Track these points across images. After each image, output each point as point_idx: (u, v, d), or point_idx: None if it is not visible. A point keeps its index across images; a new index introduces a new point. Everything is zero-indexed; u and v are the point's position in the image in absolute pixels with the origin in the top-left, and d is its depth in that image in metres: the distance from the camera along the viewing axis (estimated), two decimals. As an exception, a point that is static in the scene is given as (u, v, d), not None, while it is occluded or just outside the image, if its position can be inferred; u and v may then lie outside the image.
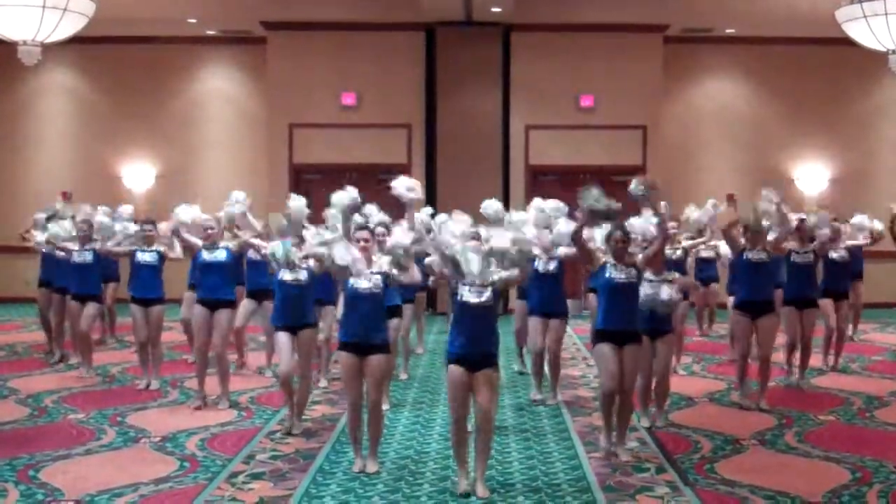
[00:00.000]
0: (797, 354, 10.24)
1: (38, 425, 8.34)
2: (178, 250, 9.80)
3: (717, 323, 13.64)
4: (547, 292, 9.17)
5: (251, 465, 7.09)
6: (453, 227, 7.01)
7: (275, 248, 7.93)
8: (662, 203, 7.95)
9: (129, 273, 10.66)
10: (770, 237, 9.25)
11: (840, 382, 10.38)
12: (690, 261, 11.51)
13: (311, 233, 7.84)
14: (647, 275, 7.82)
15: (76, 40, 12.52)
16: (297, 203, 8.39)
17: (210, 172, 17.89)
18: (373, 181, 16.70)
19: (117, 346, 12.55)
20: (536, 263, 9.12)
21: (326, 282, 9.47)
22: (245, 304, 10.42)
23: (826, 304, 10.76)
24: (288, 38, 16.98)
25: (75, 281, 10.60)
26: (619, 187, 17.50)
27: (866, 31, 11.63)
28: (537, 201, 9.91)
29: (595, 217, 7.51)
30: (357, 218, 8.62)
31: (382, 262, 7.08)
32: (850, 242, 11.31)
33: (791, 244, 9.89)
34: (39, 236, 11.79)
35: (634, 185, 8.02)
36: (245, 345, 11.21)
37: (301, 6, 15.78)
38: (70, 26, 11.40)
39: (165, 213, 10.21)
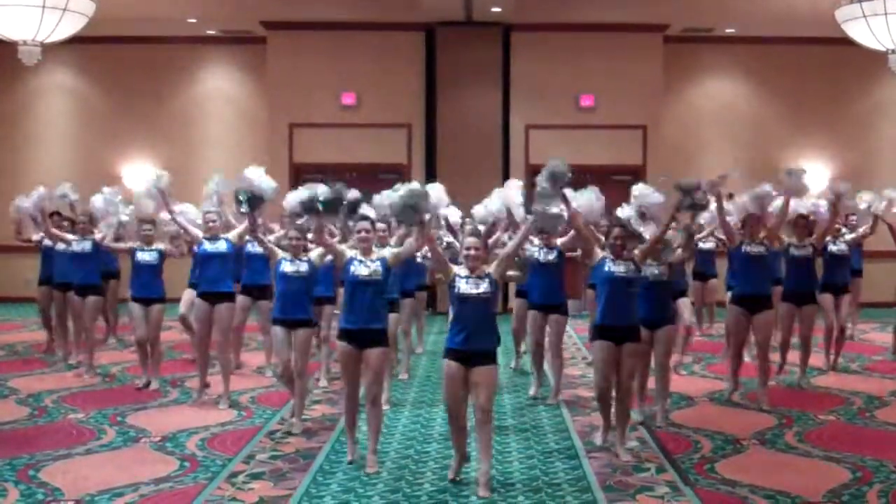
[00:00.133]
0: (791, 353, 10.25)
1: (38, 425, 8.34)
2: (184, 248, 9.78)
3: (717, 322, 13.62)
4: (547, 283, 9.16)
5: (251, 464, 7.08)
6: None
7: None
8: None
9: (129, 273, 10.66)
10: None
11: (840, 382, 10.37)
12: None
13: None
14: (648, 260, 7.86)
15: (76, 40, 12.52)
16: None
17: (210, 172, 17.65)
18: (373, 181, 16.76)
19: (118, 346, 12.54)
20: (536, 254, 9.11)
21: (326, 279, 9.48)
22: (240, 301, 10.41)
23: (826, 299, 10.74)
24: (288, 37, 16.98)
25: (75, 272, 10.62)
26: (619, 187, 17.56)
27: (866, 30, 11.64)
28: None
29: (557, 183, 7.46)
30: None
31: (383, 252, 7.17)
32: (849, 237, 11.18)
33: (790, 237, 9.91)
34: (36, 235, 11.85)
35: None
36: (241, 345, 11.18)
37: (301, 6, 15.77)
38: (70, 26, 11.40)
39: (164, 213, 10.26)
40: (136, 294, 9.87)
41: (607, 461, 7.21)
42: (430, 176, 16.72)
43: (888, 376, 10.74)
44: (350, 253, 7.16)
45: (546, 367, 9.89)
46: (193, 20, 16.59)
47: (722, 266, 12.13)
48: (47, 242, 11.73)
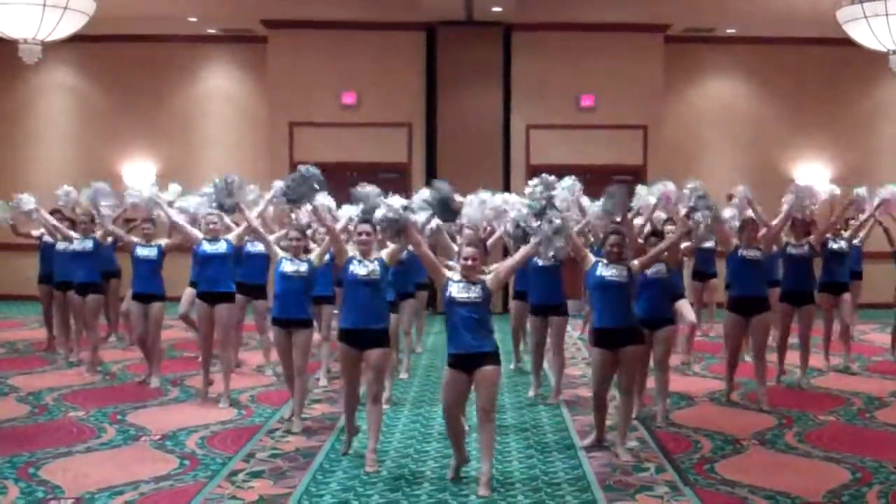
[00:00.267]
0: (791, 353, 10.27)
1: (38, 423, 8.34)
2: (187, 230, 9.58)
3: (717, 322, 13.62)
4: (546, 285, 9.19)
5: (251, 463, 7.08)
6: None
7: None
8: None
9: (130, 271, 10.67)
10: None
11: (840, 382, 10.37)
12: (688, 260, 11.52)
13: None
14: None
15: (77, 39, 12.53)
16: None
17: (210, 171, 17.68)
18: (373, 180, 16.74)
19: (118, 345, 12.54)
20: (535, 258, 9.11)
21: (325, 279, 9.49)
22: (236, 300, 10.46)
23: (825, 299, 10.75)
24: (289, 36, 16.98)
25: (76, 270, 10.65)
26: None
27: (867, 31, 11.64)
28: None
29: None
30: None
31: (382, 253, 7.22)
32: (848, 233, 11.14)
33: (787, 237, 9.94)
34: (36, 231, 11.87)
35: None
36: (241, 343, 11.15)
37: (302, 5, 15.77)
38: (70, 25, 11.41)
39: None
40: (135, 290, 9.91)
41: (607, 461, 7.22)
42: (431, 175, 16.74)
43: (888, 377, 10.74)
44: (350, 252, 7.21)
45: (546, 366, 9.90)
46: (194, 19, 16.59)
47: (722, 266, 12.15)
48: (47, 240, 11.75)
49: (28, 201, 11.05)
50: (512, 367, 11.05)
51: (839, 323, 10.97)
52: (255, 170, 17.38)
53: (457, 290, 6.49)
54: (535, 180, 7.50)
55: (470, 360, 6.44)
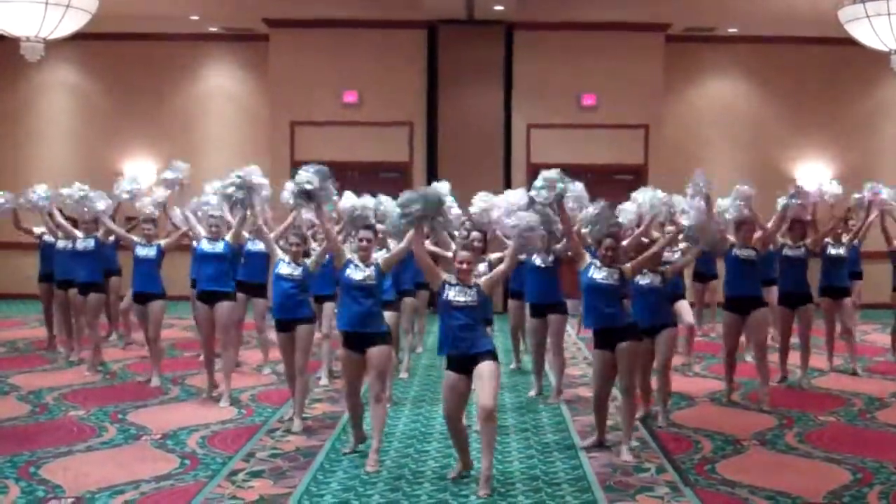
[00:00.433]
0: (791, 353, 10.27)
1: (38, 422, 8.35)
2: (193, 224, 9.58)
3: (719, 323, 13.60)
4: (545, 284, 9.20)
5: (251, 462, 7.09)
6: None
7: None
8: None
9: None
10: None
11: (841, 383, 10.37)
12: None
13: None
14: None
15: (79, 37, 12.54)
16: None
17: (211, 170, 17.74)
18: (374, 179, 16.75)
19: (118, 343, 12.54)
20: (534, 258, 9.14)
21: (326, 277, 9.48)
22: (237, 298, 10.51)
23: (826, 304, 10.77)
24: (290, 35, 16.97)
25: (77, 269, 10.67)
26: (620, 186, 17.54)
27: (869, 31, 11.63)
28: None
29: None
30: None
31: (379, 256, 7.28)
32: (847, 237, 11.14)
33: (784, 239, 9.95)
34: (38, 228, 11.87)
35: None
36: (241, 342, 11.13)
37: (303, 4, 15.77)
38: (72, 23, 11.41)
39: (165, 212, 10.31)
40: (135, 290, 9.94)
41: (608, 461, 7.22)
42: (432, 174, 16.74)
43: (889, 377, 10.74)
44: (348, 255, 7.24)
45: (547, 366, 9.90)
46: (196, 17, 16.59)
47: (722, 267, 12.14)
48: (47, 238, 11.76)
49: (43, 196, 11.00)
50: (512, 366, 11.06)
51: (840, 325, 10.97)
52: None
53: (453, 294, 6.52)
54: (541, 180, 7.44)
55: (468, 360, 6.46)
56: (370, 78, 16.96)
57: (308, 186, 7.40)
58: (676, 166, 17.02)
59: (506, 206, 7.50)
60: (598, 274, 7.37)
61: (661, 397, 8.40)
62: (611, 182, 16.94)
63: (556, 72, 16.85)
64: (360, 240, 7.23)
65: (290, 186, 7.98)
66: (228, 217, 9.53)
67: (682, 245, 10.68)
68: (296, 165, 16.70)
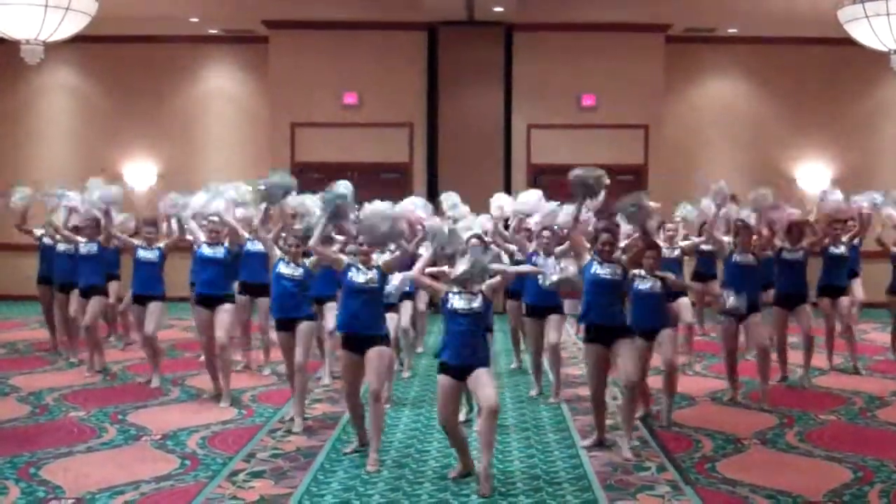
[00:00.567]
0: (792, 353, 10.28)
1: (39, 423, 8.35)
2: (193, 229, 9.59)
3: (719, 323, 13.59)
4: (543, 290, 9.18)
5: (252, 463, 7.09)
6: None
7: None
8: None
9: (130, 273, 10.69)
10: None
11: (841, 382, 10.37)
12: (689, 259, 11.56)
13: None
14: (640, 272, 7.88)
15: (78, 39, 12.52)
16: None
17: (212, 171, 17.82)
18: (374, 180, 16.75)
19: (117, 344, 12.54)
20: (534, 260, 9.18)
21: (327, 278, 9.48)
22: (240, 300, 10.53)
23: (824, 302, 10.81)
24: (290, 37, 16.99)
25: (79, 272, 10.67)
26: (620, 186, 17.54)
27: (868, 31, 11.62)
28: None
29: (582, 189, 7.73)
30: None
31: (379, 259, 7.32)
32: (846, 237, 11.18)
33: (782, 242, 9.98)
34: (38, 230, 11.87)
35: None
36: (250, 342, 11.11)
37: (303, 5, 15.78)
38: (72, 25, 11.41)
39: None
40: (135, 291, 9.96)
41: (608, 460, 7.22)
42: (432, 175, 16.77)
43: (889, 376, 10.74)
44: (348, 259, 7.25)
45: (546, 366, 9.90)
46: (195, 19, 16.59)
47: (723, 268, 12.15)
48: (47, 241, 11.78)
49: (69, 197, 10.97)
50: (513, 366, 11.08)
51: (840, 324, 10.98)
52: (257, 170, 17.40)
53: (457, 302, 6.53)
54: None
55: (464, 370, 6.49)
56: (370, 79, 16.97)
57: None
58: (676, 167, 17.08)
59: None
60: (602, 270, 7.38)
61: (667, 398, 8.37)
62: (611, 182, 16.95)
63: (556, 72, 16.86)
64: (361, 244, 7.25)
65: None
66: (229, 220, 9.52)
67: (682, 243, 10.74)
68: (296, 167, 16.89)
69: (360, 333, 7.11)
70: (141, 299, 9.87)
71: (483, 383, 6.43)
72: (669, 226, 11.07)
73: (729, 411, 9.00)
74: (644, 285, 7.98)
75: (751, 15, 15.96)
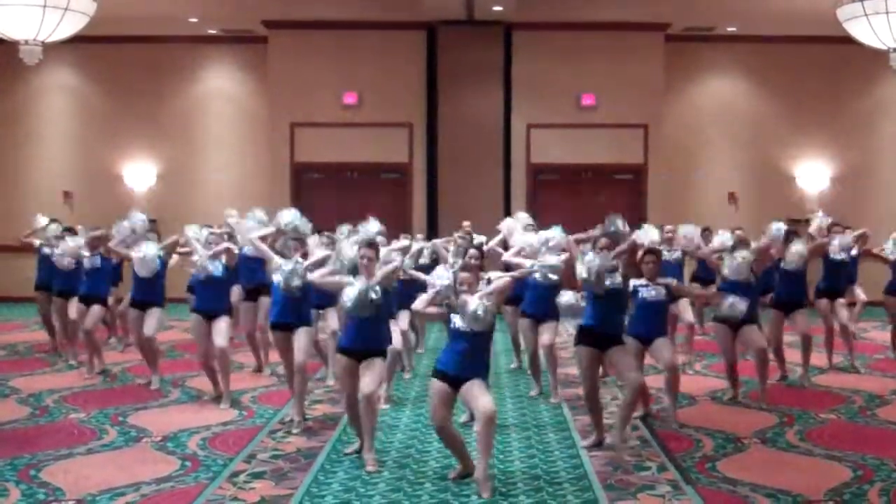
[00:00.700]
0: (792, 352, 10.30)
1: (39, 425, 8.34)
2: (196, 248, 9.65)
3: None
4: (542, 299, 9.23)
5: (252, 464, 7.08)
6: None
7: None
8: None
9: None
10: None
11: (841, 381, 10.38)
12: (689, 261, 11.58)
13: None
14: (641, 282, 7.89)
15: (77, 39, 12.53)
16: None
17: (211, 172, 17.92)
18: (374, 180, 16.77)
19: (117, 346, 12.53)
20: (537, 274, 9.23)
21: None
22: (245, 306, 10.58)
23: (822, 304, 10.91)
24: (289, 37, 16.99)
25: (84, 284, 10.75)
26: (620, 186, 17.51)
27: (867, 29, 11.62)
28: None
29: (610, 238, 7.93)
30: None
31: (377, 276, 7.24)
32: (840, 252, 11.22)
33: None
34: (36, 241, 11.95)
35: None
36: (268, 344, 11.05)
37: (302, 5, 15.78)
38: (71, 26, 11.40)
39: (165, 213, 10.32)
40: (135, 297, 9.98)
41: (609, 460, 7.21)
42: (432, 175, 16.76)
43: (889, 375, 10.75)
44: (349, 278, 7.16)
45: (545, 367, 9.90)
46: (195, 19, 16.59)
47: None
48: (46, 251, 11.81)
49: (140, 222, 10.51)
50: (513, 366, 11.09)
51: (837, 324, 11.02)
52: (257, 171, 17.47)
53: (459, 321, 6.50)
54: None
55: (458, 381, 6.49)
56: (370, 79, 16.97)
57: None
58: (676, 166, 17.11)
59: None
60: (607, 280, 7.38)
61: (671, 400, 8.35)
62: (610, 182, 16.99)
63: (556, 72, 16.86)
64: (362, 258, 7.21)
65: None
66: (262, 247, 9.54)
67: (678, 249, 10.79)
68: (296, 167, 16.91)
69: (362, 349, 7.09)
70: (140, 305, 9.87)
71: (476, 395, 6.41)
72: (668, 227, 11.08)
73: (729, 410, 9.00)
74: (649, 294, 7.98)
75: (750, 14, 15.97)
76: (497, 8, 15.67)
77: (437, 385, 6.54)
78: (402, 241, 9.87)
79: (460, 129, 16.67)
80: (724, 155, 17.81)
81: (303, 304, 8.22)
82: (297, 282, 7.96)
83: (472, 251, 8.58)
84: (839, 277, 11.12)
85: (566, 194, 16.47)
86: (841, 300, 11.04)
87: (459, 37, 16.67)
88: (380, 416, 8.00)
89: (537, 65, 16.88)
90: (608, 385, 9.74)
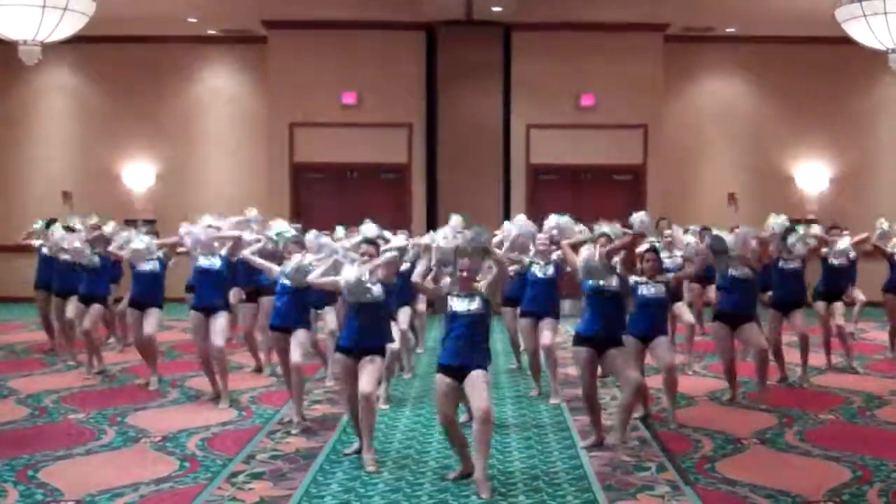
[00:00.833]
0: (791, 352, 10.29)
1: (37, 425, 8.34)
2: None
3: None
4: (542, 296, 9.23)
5: (251, 464, 7.08)
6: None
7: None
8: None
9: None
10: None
11: (840, 381, 10.38)
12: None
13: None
14: (641, 279, 7.89)
15: (76, 40, 12.52)
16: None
17: (211, 172, 17.92)
18: (374, 180, 16.76)
19: (116, 347, 12.53)
20: (534, 268, 9.23)
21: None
22: (249, 308, 10.58)
23: (819, 306, 10.93)
24: (289, 37, 16.98)
25: (82, 281, 10.73)
26: (619, 186, 17.48)
27: (866, 30, 11.62)
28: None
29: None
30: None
31: (378, 273, 7.24)
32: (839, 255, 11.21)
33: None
34: (36, 242, 11.97)
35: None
36: (258, 348, 11.07)
37: (302, 5, 15.78)
38: (70, 26, 11.39)
39: (165, 213, 10.31)
40: (134, 298, 9.97)
41: (608, 460, 7.21)
42: (431, 175, 16.76)
43: (888, 375, 10.75)
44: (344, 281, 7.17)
45: (545, 368, 9.90)
46: (194, 20, 16.59)
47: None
48: (45, 252, 11.82)
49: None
50: (513, 366, 11.09)
51: (834, 325, 11.05)
52: (256, 170, 17.47)
53: (458, 304, 6.52)
54: None
55: (461, 370, 6.49)
56: (369, 79, 16.96)
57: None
58: (675, 166, 17.10)
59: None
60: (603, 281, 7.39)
61: (669, 400, 8.35)
62: (610, 182, 17.00)
63: (555, 72, 16.86)
64: (363, 254, 7.20)
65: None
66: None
67: (678, 253, 10.77)
68: (295, 167, 16.90)
69: (363, 347, 7.09)
70: (139, 305, 9.88)
71: (477, 389, 6.41)
72: (668, 232, 11.08)
73: (728, 411, 8.99)
74: (649, 291, 7.98)
75: (749, 14, 15.97)
76: (496, 8, 15.67)
77: (440, 381, 6.53)
78: (400, 238, 9.86)
79: (460, 130, 16.67)
80: (723, 155, 17.82)
81: (303, 306, 8.24)
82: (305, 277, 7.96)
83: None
84: (838, 281, 11.17)
85: (566, 194, 16.44)
86: (838, 303, 11.08)
87: (459, 37, 16.66)
88: (379, 417, 8.00)
89: (537, 65, 16.88)
90: (608, 385, 9.75)
